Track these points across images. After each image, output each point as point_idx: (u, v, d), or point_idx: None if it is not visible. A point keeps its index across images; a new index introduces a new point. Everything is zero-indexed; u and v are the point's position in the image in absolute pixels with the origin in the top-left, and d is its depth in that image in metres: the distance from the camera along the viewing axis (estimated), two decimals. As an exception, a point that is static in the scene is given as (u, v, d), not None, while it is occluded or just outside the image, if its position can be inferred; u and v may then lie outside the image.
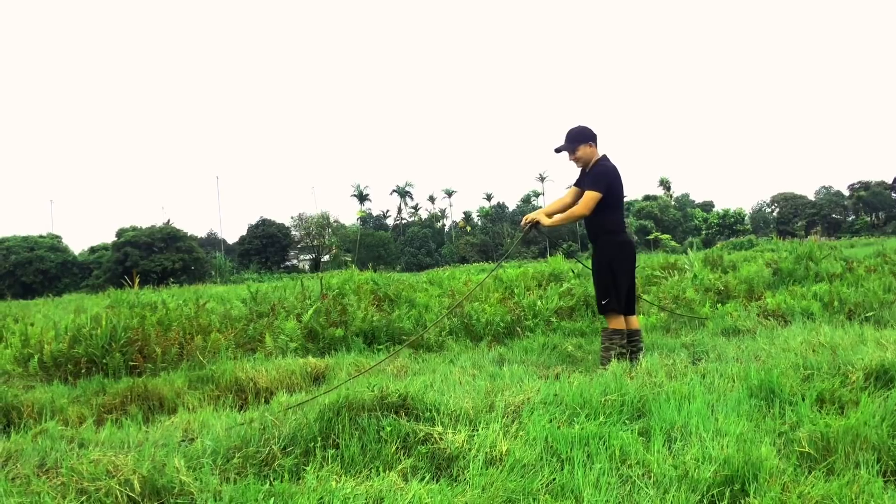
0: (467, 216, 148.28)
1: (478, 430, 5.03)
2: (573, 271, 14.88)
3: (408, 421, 5.23)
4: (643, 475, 4.24)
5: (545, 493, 4.10)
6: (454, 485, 4.29)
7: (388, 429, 5.05)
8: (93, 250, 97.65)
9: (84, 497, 4.31)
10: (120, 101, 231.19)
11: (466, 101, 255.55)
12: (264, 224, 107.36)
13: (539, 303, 11.49)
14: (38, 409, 7.51)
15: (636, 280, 8.57)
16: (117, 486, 4.37)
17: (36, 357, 10.00)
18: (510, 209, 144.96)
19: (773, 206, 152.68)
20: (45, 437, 6.09)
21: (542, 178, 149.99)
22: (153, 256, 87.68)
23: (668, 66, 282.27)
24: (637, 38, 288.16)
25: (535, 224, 8.40)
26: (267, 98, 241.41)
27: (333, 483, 4.30)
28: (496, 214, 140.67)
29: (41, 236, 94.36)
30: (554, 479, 4.25)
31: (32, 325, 12.85)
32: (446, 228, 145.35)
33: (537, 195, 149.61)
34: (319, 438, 5.07)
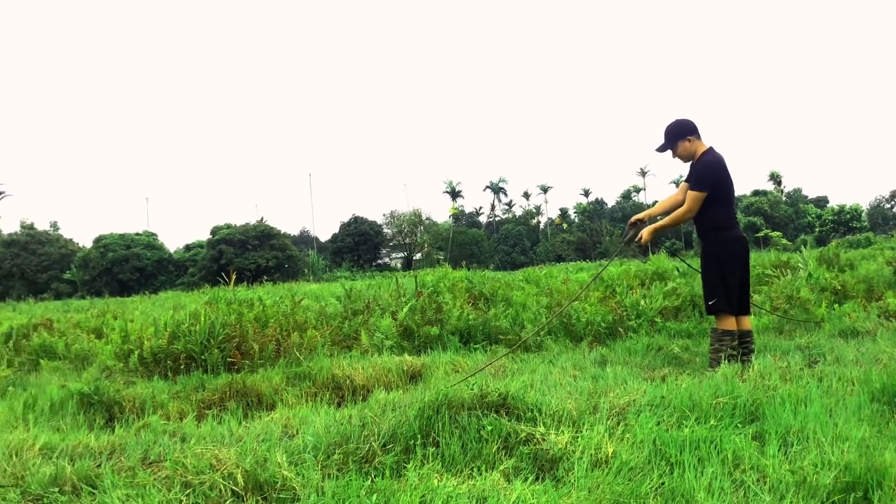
0: (563, 213, 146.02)
1: (582, 432, 4.91)
2: (678, 270, 14.53)
3: (509, 421, 5.14)
4: (758, 480, 4.08)
5: (654, 497, 3.97)
6: (559, 486, 4.19)
7: (489, 428, 4.97)
8: (188, 248, 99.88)
9: (188, 490, 4.33)
10: (215, 101, 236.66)
11: (563, 94, 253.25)
12: (356, 222, 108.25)
13: (642, 302, 11.18)
14: (139, 404, 7.65)
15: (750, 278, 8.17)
16: (221, 480, 4.39)
17: (136, 353, 10.21)
18: (609, 205, 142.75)
19: (892, 202, 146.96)
20: (147, 431, 6.18)
21: (643, 173, 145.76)
22: (247, 254, 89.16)
23: (780, 54, 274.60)
24: (749, 26, 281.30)
25: (637, 234, 8.11)
26: (360, 95, 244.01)
27: (435, 481, 4.24)
28: (594, 211, 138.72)
29: (138, 234, 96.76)
30: (663, 483, 4.11)
31: (132, 321, 13.14)
32: (541, 226, 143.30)
33: (638, 190, 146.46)
34: (419, 436, 5.02)
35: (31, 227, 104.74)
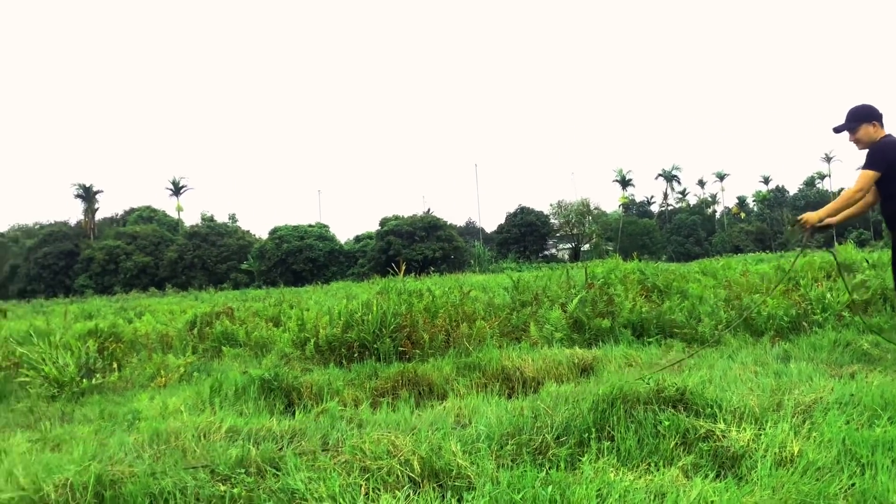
0: (741, 201, 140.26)
1: (765, 429, 4.74)
2: (867, 261, 13.76)
3: (687, 416, 5.01)
4: (960, 486, 3.81)
5: (843, 499, 3.79)
6: (741, 484, 4.05)
7: (667, 423, 4.86)
8: (357, 239, 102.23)
9: (367, 475, 4.43)
10: (385, 94, 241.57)
11: (743, 74, 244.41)
12: (523, 212, 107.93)
13: (828, 296, 10.62)
14: (316, 391, 7.90)
15: None
16: (398, 466, 4.47)
17: (312, 341, 10.56)
18: (790, 193, 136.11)
19: None
20: (326, 416, 6.35)
21: (827, 159, 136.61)
22: (414, 245, 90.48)
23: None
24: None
25: (811, 226, 7.69)
26: (528, 83, 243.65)
27: (611, 475, 4.19)
28: (774, 199, 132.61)
29: (310, 225, 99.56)
30: (853, 485, 3.91)
31: (307, 310, 13.57)
32: (717, 215, 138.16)
33: (822, 177, 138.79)
34: (594, 429, 4.96)
35: (212, 219, 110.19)
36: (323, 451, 5.09)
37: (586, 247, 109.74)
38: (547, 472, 4.26)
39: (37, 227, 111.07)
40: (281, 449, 5.21)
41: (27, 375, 9.56)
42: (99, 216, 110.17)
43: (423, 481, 4.38)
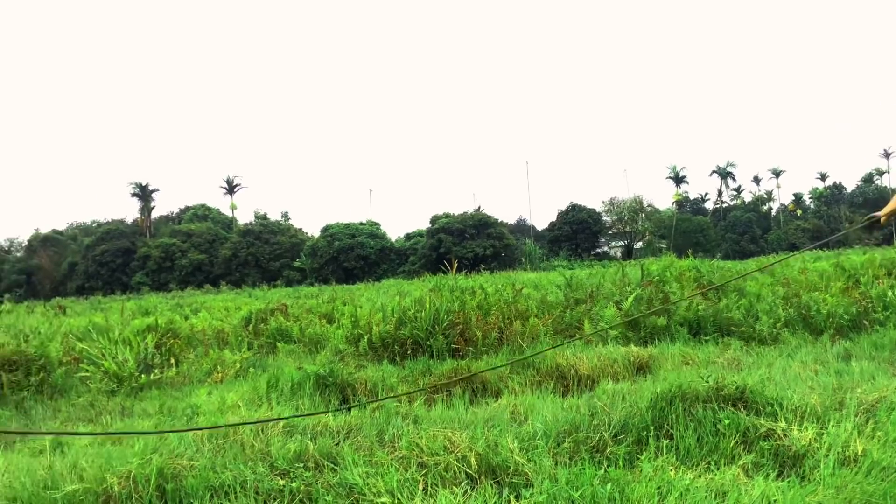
0: (797, 198, 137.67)
1: (827, 429, 4.66)
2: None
3: (747, 415, 4.95)
4: None
5: (910, 500, 3.71)
6: (804, 484, 3.98)
7: (727, 422, 4.81)
8: (408, 237, 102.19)
9: (424, 470, 4.44)
10: (435, 92, 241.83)
11: (799, 69, 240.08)
12: (574, 209, 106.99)
13: (890, 293, 10.40)
14: (370, 387, 7.94)
15: None
16: (455, 462, 4.47)
17: (365, 338, 10.62)
18: (848, 190, 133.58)
19: None
20: (381, 412, 6.38)
21: (886, 155, 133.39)
22: (465, 243, 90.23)
23: None
24: None
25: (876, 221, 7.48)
26: (578, 80, 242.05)
27: (671, 473, 4.16)
28: (832, 196, 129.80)
29: (361, 223, 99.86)
30: (920, 486, 3.83)
31: (360, 307, 13.63)
32: (773, 212, 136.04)
33: (881, 174, 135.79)
34: (652, 427, 4.93)
35: (265, 217, 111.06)
36: (380, 446, 5.12)
37: (639, 245, 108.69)
38: (605, 470, 4.24)
39: (94, 225, 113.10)
40: (338, 444, 5.25)
41: (87, 370, 9.75)
42: (155, 214, 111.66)
43: (480, 477, 4.38)
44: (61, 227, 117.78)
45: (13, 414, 8.20)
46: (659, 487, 3.93)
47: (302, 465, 4.73)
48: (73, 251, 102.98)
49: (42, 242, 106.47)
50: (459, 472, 4.41)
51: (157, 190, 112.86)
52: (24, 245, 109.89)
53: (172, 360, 10.41)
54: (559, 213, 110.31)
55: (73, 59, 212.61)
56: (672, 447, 4.70)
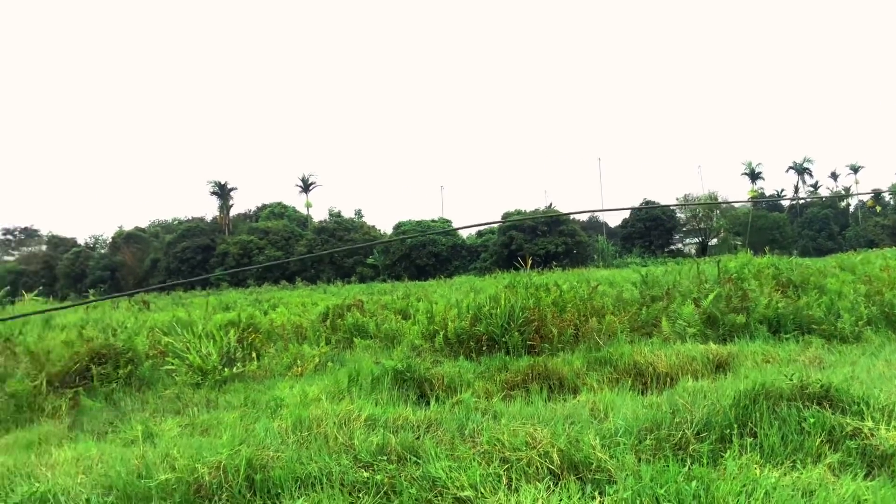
0: (877, 195, 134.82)
1: (916, 428, 4.58)
2: None
3: (832, 413, 4.89)
4: None
5: None
6: (895, 483, 3.93)
7: (812, 420, 4.77)
8: (479, 234, 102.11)
9: (506, 465, 4.48)
10: (506, 90, 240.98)
11: (876, 64, 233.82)
12: (648, 206, 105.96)
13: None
14: (447, 382, 8.01)
15: None
16: (537, 458, 4.51)
17: (441, 334, 10.70)
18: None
19: None
20: (460, 407, 6.44)
21: None
22: (537, 240, 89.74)
23: None
24: None
25: None
26: (651, 76, 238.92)
27: (756, 471, 4.13)
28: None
29: (433, 220, 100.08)
30: None
31: (435, 304, 13.71)
32: (851, 209, 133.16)
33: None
34: (735, 425, 4.90)
35: (339, 214, 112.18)
36: (460, 441, 5.17)
37: (714, 241, 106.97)
38: (689, 468, 4.23)
39: (175, 222, 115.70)
40: (418, 438, 5.32)
41: (173, 364, 10.00)
42: (233, 212, 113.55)
43: (562, 473, 4.41)
44: (144, 224, 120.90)
45: (103, 405, 8.45)
46: (744, 485, 3.92)
47: (385, 457, 4.82)
48: (155, 248, 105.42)
49: (125, 239, 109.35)
50: (542, 468, 4.44)
51: (236, 188, 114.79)
52: (108, 242, 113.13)
53: (254, 354, 10.62)
54: (632, 210, 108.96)
55: (162, 63, 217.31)
56: (756, 445, 4.67)
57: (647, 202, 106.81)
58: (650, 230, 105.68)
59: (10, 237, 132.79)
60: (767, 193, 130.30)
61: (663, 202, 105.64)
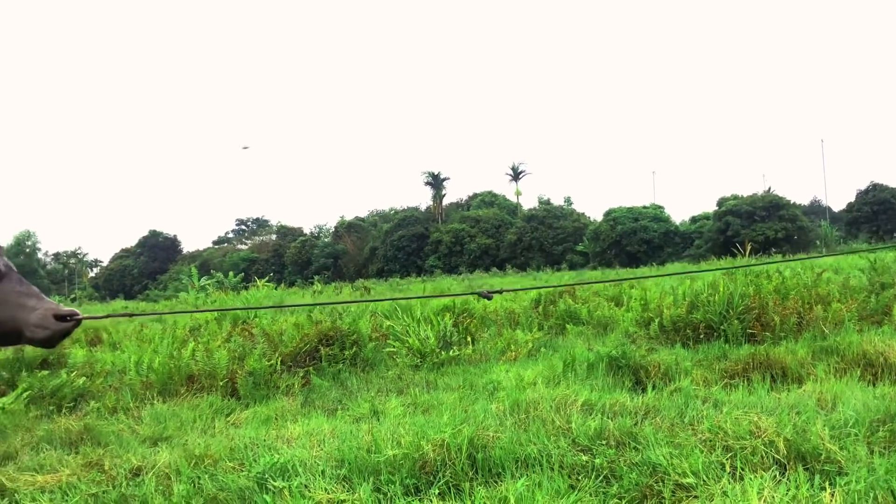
0: None
1: None
2: None
3: None
4: None
5: None
6: None
7: None
8: (693, 220, 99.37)
9: (729, 454, 4.41)
10: (719, 74, 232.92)
11: None
12: (875, 189, 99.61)
13: None
14: (663, 370, 7.91)
15: None
16: (762, 447, 4.40)
17: (656, 321, 10.59)
18: None
19: None
20: (679, 395, 6.37)
21: None
22: (754, 225, 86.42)
23: None
24: None
25: None
26: (874, 49, 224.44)
27: None
28: None
29: (645, 207, 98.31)
30: None
31: (649, 291, 13.56)
32: None
33: None
34: (981, 420, 4.61)
35: (548, 202, 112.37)
36: (680, 428, 5.12)
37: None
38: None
39: (392, 212, 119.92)
40: (636, 424, 5.31)
41: (394, 346, 10.44)
42: (446, 201, 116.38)
43: (788, 463, 4.29)
44: (363, 214, 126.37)
45: (331, 384, 8.91)
46: None
47: (603, 442, 4.84)
48: (373, 236, 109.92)
49: (347, 228, 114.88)
50: (767, 457, 4.34)
51: (448, 178, 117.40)
52: (330, 231, 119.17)
53: (469, 339, 10.86)
54: (858, 193, 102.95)
55: (384, 61, 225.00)
56: None
57: (875, 185, 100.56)
58: (878, 214, 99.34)
59: (243, 227, 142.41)
60: None
61: (893, 184, 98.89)
